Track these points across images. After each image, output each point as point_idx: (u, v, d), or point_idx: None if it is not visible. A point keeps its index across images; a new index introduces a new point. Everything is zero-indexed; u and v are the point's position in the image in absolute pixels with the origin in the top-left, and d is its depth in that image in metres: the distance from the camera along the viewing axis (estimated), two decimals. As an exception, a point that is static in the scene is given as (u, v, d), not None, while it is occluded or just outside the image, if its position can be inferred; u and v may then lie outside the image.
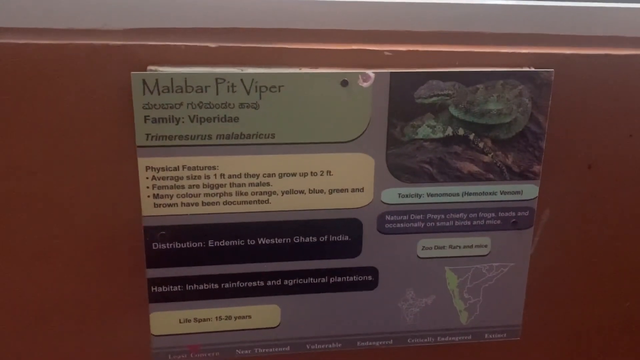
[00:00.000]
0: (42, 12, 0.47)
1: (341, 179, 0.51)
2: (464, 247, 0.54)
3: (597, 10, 0.53)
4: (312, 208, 0.51)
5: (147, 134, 0.47)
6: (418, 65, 0.49)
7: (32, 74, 0.47)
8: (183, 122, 0.47)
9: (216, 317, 0.53)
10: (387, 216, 0.52)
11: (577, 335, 0.61)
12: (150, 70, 0.47)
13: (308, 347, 0.55)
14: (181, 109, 0.47)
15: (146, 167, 0.48)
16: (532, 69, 0.50)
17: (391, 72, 0.49)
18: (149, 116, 0.47)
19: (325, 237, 0.52)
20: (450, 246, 0.54)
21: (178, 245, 0.50)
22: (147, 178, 0.48)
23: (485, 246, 0.54)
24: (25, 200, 0.50)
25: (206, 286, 0.52)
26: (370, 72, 0.48)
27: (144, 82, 0.46)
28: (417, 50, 0.50)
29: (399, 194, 0.52)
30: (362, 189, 0.51)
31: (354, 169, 0.51)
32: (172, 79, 0.46)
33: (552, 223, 0.56)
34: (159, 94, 0.47)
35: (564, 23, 0.52)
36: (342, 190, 0.51)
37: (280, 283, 0.53)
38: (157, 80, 0.46)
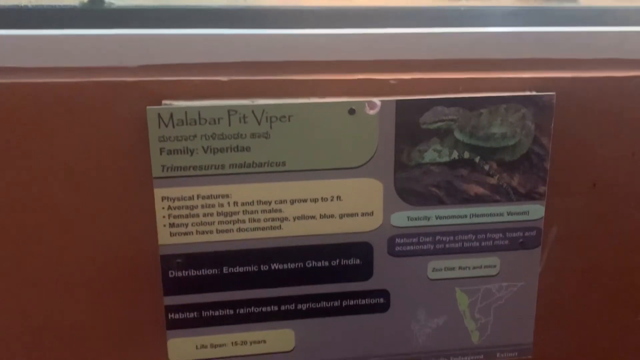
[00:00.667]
0: (60, 51, 0.50)
1: (351, 204, 0.53)
2: (474, 267, 0.56)
3: (596, 35, 0.55)
4: (323, 233, 0.53)
5: (163, 166, 0.50)
6: (423, 92, 0.52)
7: (51, 110, 0.49)
8: (197, 153, 0.50)
9: (232, 343, 0.55)
10: (397, 239, 0.54)
11: (588, 352, 0.62)
12: (165, 104, 0.49)
13: (323, 370, 0.57)
14: (195, 140, 0.50)
15: (162, 197, 0.50)
16: (534, 93, 0.53)
17: (397, 100, 0.51)
18: (164, 148, 0.49)
19: (337, 261, 0.54)
20: (460, 267, 0.56)
21: (194, 272, 0.52)
22: (163, 208, 0.51)
23: (495, 266, 0.56)
24: (44, 231, 0.52)
25: (222, 312, 0.54)
26: (376, 100, 0.51)
27: (159, 116, 0.49)
28: (421, 78, 0.52)
29: (408, 217, 0.54)
30: (372, 213, 0.53)
31: (363, 194, 0.53)
32: (186, 112, 0.49)
33: (559, 242, 0.58)
34: (173, 127, 0.49)
35: (564, 47, 0.55)
36: (352, 215, 0.53)
37: (293, 307, 0.55)
38: (171, 114, 0.49)
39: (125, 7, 0.54)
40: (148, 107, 0.49)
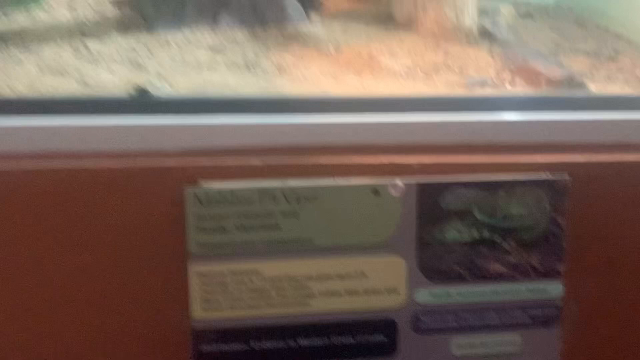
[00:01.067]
0: (108, 137, 0.54)
1: (375, 281, 0.55)
2: (496, 345, 0.57)
3: (608, 120, 0.58)
4: (349, 309, 0.55)
5: (198, 243, 0.52)
6: (443, 174, 0.54)
7: (94, 191, 0.53)
8: (230, 231, 0.52)
9: (259, 417, 0.55)
10: (420, 316, 0.56)
11: None
12: (202, 186, 0.52)
13: None
14: (228, 219, 0.52)
15: (196, 273, 0.53)
16: (550, 176, 0.55)
17: (418, 182, 0.54)
18: (199, 227, 0.52)
19: (362, 337, 0.55)
20: (483, 344, 0.57)
21: (225, 347, 0.54)
22: (197, 283, 0.53)
23: (517, 344, 0.57)
24: (81, 299, 0.54)
25: (250, 386, 0.55)
26: (399, 182, 0.54)
27: (196, 196, 0.52)
28: (442, 161, 0.55)
29: (431, 294, 0.55)
30: (396, 290, 0.55)
31: (387, 271, 0.55)
32: (220, 193, 0.52)
33: (579, 319, 0.58)
34: (209, 207, 0.52)
35: (577, 133, 0.57)
36: (376, 292, 0.55)
37: (320, 383, 0.56)
38: (207, 194, 0.52)
39: (168, 98, 0.59)
40: (186, 188, 0.52)
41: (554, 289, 0.56)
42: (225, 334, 0.54)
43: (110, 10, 0.86)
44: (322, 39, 0.86)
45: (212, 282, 0.53)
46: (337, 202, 0.53)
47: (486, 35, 0.92)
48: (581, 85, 0.83)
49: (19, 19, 0.82)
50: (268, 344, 0.54)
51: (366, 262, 0.54)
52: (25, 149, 0.52)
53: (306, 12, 0.92)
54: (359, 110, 0.58)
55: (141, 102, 0.58)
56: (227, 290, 0.53)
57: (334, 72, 0.77)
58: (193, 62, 0.75)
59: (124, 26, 0.84)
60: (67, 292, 0.54)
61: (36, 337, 0.54)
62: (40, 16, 0.84)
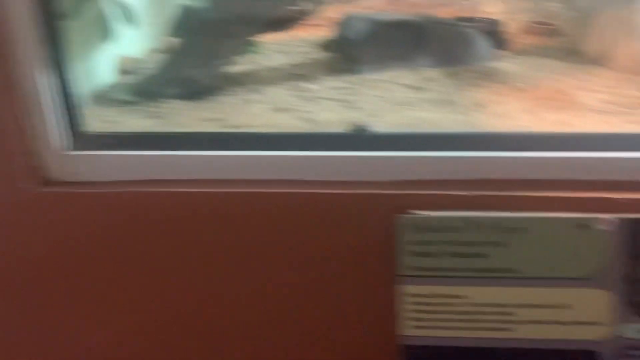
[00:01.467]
0: (326, 168, 0.60)
1: (580, 312, 0.55)
2: None
3: None
4: (552, 338, 0.56)
5: (408, 266, 0.56)
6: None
7: (311, 215, 0.59)
8: (439, 257, 0.56)
9: None
10: (628, 350, 0.55)
11: None
12: (412, 214, 0.57)
13: None
14: (438, 246, 0.56)
15: (407, 293, 0.57)
16: None
17: (628, 217, 0.53)
18: (409, 251, 0.56)
19: (565, 367, 0.56)
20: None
21: (432, 363, 0.57)
22: (408, 303, 0.57)
23: None
24: (295, 315, 0.61)
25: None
26: (608, 217, 0.54)
27: (408, 223, 0.56)
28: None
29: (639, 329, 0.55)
30: (601, 322, 0.55)
31: (592, 304, 0.54)
32: (430, 221, 0.56)
33: None
34: (418, 234, 0.56)
35: None
36: (581, 323, 0.55)
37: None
38: (417, 222, 0.56)
39: (380, 134, 0.64)
40: (398, 216, 0.56)
41: None
42: (433, 351, 0.57)
43: (318, 54, 0.95)
44: (514, 75, 0.88)
45: (422, 303, 0.57)
46: (544, 235, 0.54)
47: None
48: None
49: (243, 65, 0.93)
50: (472, 365, 0.57)
51: (571, 293, 0.55)
52: (263, 176, 0.60)
53: (495, 49, 0.94)
54: (563, 146, 0.59)
55: (357, 137, 0.65)
56: (435, 311, 0.57)
57: (530, 108, 0.79)
58: (396, 100, 0.81)
59: (332, 68, 0.92)
60: (276, 305, 0.61)
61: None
62: (259, 61, 0.96)
